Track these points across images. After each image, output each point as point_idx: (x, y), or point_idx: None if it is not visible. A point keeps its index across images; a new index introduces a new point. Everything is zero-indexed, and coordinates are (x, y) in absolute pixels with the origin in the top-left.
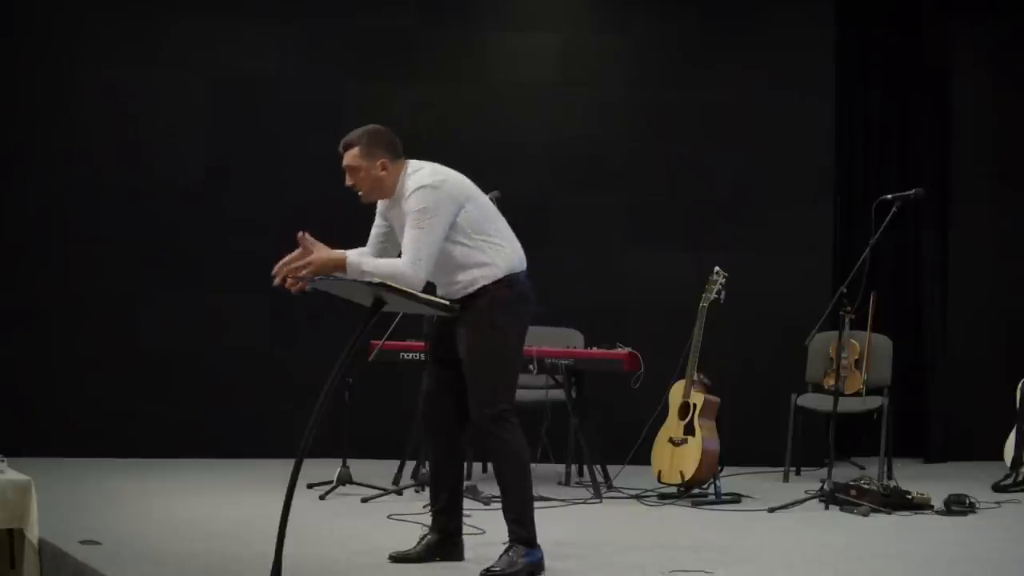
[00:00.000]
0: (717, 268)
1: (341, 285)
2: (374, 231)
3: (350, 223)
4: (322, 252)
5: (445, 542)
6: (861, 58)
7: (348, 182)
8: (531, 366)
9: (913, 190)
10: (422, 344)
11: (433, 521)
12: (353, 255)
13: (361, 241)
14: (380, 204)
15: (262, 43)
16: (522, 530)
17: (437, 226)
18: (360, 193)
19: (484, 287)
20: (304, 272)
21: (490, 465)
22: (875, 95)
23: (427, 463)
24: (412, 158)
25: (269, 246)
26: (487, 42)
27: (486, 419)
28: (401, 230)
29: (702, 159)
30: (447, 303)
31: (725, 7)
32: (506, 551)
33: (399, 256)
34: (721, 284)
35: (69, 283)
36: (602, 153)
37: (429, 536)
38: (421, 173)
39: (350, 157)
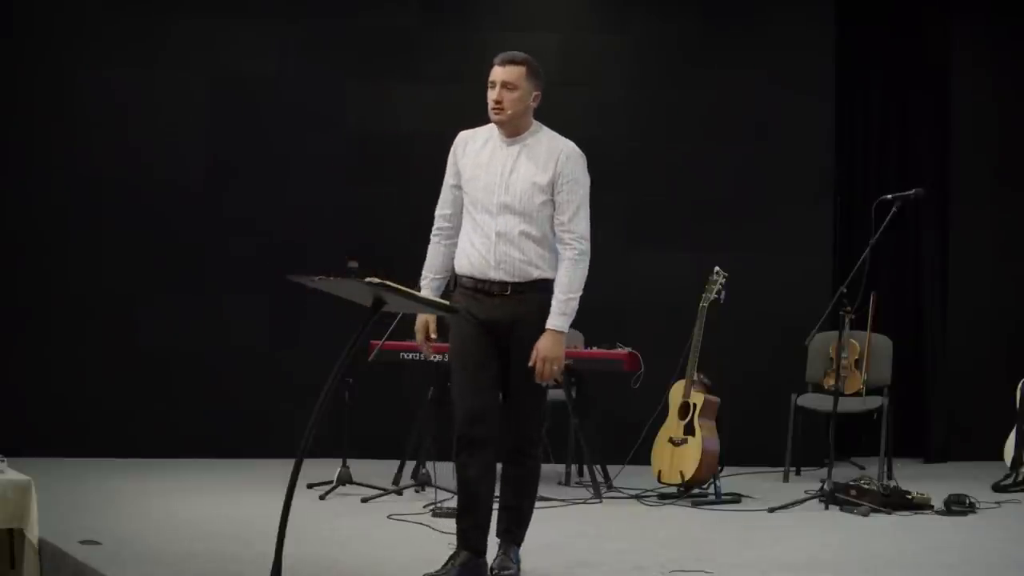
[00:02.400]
0: (717, 268)
1: (341, 285)
2: (453, 195)
3: (350, 223)
4: (545, 343)
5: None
6: (861, 58)
7: (494, 96)
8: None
9: (913, 190)
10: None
11: (464, 540)
12: (556, 315)
13: (361, 240)
14: (471, 149)
15: (262, 43)
16: (521, 533)
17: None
18: (504, 112)
19: (542, 279)
20: (558, 369)
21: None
22: (875, 95)
23: (457, 476)
24: (412, 157)
25: (269, 246)
26: (487, 42)
27: (535, 440)
28: (495, 170)
29: (702, 159)
30: (447, 303)
31: (725, 7)
32: (505, 552)
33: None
34: (721, 284)
35: (69, 283)
36: (602, 153)
37: (461, 555)
38: (565, 139)
39: (514, 73)
